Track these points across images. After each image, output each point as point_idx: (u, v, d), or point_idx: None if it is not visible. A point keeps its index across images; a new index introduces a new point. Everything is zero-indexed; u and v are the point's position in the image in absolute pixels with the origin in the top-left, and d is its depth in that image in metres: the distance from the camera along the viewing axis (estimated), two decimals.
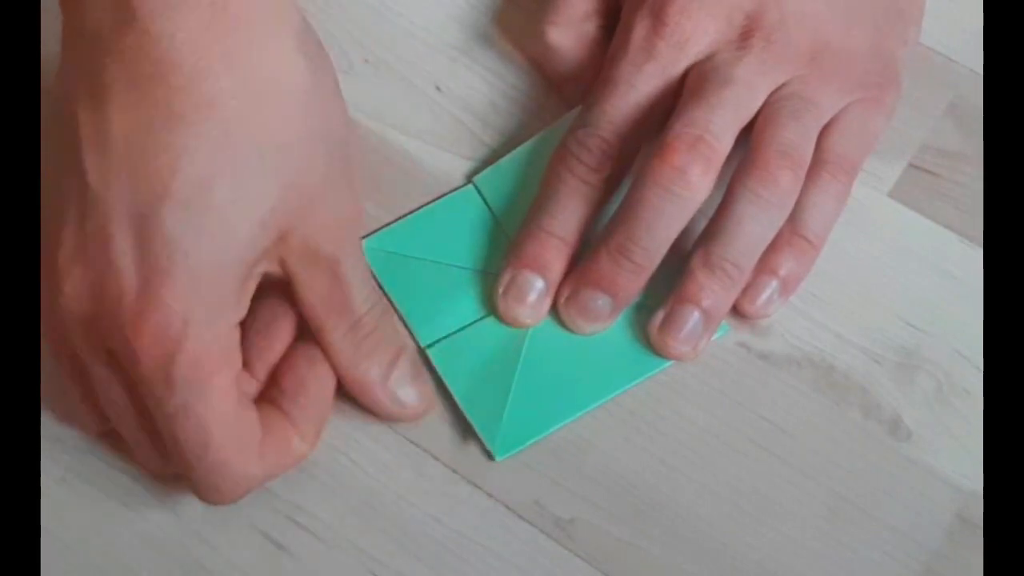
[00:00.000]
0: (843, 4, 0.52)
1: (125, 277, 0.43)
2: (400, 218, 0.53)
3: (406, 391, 0.49)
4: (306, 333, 0.48)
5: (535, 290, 0.50)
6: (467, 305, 0.51)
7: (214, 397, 0.44)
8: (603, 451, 0.49)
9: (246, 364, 0.47)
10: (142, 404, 0.45)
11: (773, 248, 0.50)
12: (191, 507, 0.48)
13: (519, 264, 0.50)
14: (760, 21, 0.51)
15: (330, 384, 0.48)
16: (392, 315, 0.49)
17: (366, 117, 0.55)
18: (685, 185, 0.48)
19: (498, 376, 0.50)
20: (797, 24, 0.51)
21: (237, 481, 0.46)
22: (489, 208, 0.52)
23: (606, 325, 0.50)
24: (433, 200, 0.53)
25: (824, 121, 0.51)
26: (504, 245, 0.51)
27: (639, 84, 0.51)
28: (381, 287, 0.51)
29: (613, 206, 0.50)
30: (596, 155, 0.50)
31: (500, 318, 0.50)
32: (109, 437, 0.49)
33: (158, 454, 0.46)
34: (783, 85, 0.51)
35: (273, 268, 0.46)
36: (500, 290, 0.50)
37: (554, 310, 0.51)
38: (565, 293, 0.50)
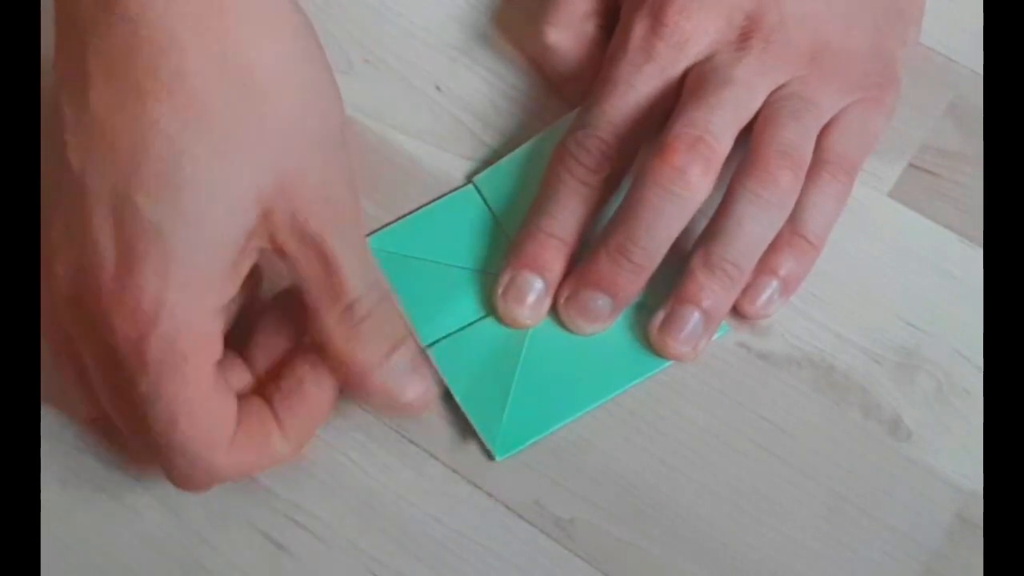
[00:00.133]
0: (843, 4, 0.52)
1: (103, 256, 0.43)
2: (400, 218, 0.53)
3: (403, 384, 0.47)
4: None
5: (534, 291, 0.50)
6: (467, 305, 0.51)
7: (186, 380, 0.44)
8: (603, 451, 0.49)
9: (247, 357, 0.47)
10: (120, 385, 0.45)
11: (773, 248, 0.50)
12: (191, 507, 0.48)
13: (518, 264, 0.50)
14: (760, 22, 0.51)
15: (329, 390, 0.47)
16: (395, 304, 0.47)
17: (366, 117, 0.55)
18: (685, 185, 0.48)
19: (498, 376, 0.50)
20: (797, 24, 0.51)
21: (203, 469, 0.45)
22: (489, 208, 0.52)
23: (606, 325, 0.50)
24: (433, 200, 0.53)
25: (824, 121, 0.51)
26: (504, 245, 0.51)
27: (638, 85, 0.51)
28: None
29: (613, 206, 0.50)
30: (595, 156, 0.50)
31: (500, 319, 0.50)
32: (102, 425, 0.49)
33: (138, 438, 0.46)
34: (783, 85, 0.51)
35: (266, 246, 0.45)
36: (500, 290, 0.50)
37: (554, 310, 0.51)
38: (565, 293, 0.50)
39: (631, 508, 0.48)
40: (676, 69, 0.51)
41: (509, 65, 0.56)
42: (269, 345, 0.48)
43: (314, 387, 0.47)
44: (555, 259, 0.50)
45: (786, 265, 0.50)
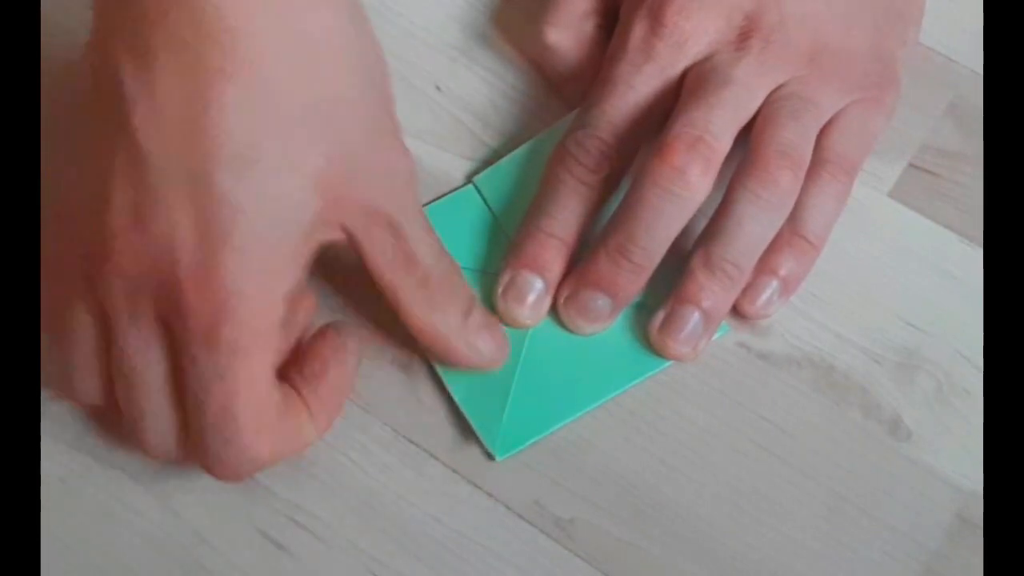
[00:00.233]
0: (842, 5, 0.52)
1: (182, 235, 0.43)
2: None
3: (482, 338, 0.49)
4: (335, 322, 0.48)
5: (534, 290, 0.50)
6: None
7: (251, 367, 0.44)
8: (603, 451, 0.49)
9: None
10: (176, 368, 0.45)
11: (773, 248, 0.50)
12: (191, 507, 0.48)
13: (518, 264, 0.50)
14: (759, 22, 0.51)
15: (351, 371, 0.48)
16: (458, 268, 0.49)
17: None
18: (684, 185, 0.48)
19: (498, 376, 0.50)
20: (796, 24, 0.51)
21: (246, 456, 0.45)
22: (489, 208, 0.52)
23: (606, 325, 0.50)
24: (433, 200, 0.53)
25: (823, 121, 0.51)
26: (504, 245, 0.51)
27: (638, 85, 0.51)
28: None
29: (612, 206, 0.50)
30: (595, 156, 0.50)
31: (499, 318, 0.50)
32: (103, 418, 0.48)
33: (171, 428, 0.46)
34: (782, 85, 0.51)
35: (335, 235, 0.46)
36: (499, 290, 0.50)
37: (554, 310, 0.51)
38: (564, 293, 0.50)
39: (631, 508, 0.48)
40: (675, 69, 0.51)
41: (509, 65, 0.56)
42: (287, 330, 0.47)
43: (337, 369, 0.47)
44: (555, 259, 0.50)
45: (786, 265, 0.50)
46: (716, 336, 0.50)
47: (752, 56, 0.50)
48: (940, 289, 0.52)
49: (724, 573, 0.48)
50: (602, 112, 0.51)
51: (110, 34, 0.44)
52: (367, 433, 0.50)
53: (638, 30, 0.51)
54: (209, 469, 0.46)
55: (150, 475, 0.49)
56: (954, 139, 0.54)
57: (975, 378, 0.50)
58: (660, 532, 0.48)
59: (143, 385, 0.45)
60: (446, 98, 0.55)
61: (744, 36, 0.51)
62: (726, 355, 0.51)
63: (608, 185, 0.51)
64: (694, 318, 0.49)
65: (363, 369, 0.49)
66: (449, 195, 0.53)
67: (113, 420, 0.48)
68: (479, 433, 0.49)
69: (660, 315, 0.50)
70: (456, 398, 0.50)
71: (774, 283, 0.50)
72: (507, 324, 0.50)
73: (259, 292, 0.44)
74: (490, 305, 0.51)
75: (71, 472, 0.49)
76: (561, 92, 0.55)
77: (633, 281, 0.49)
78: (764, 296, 0.50)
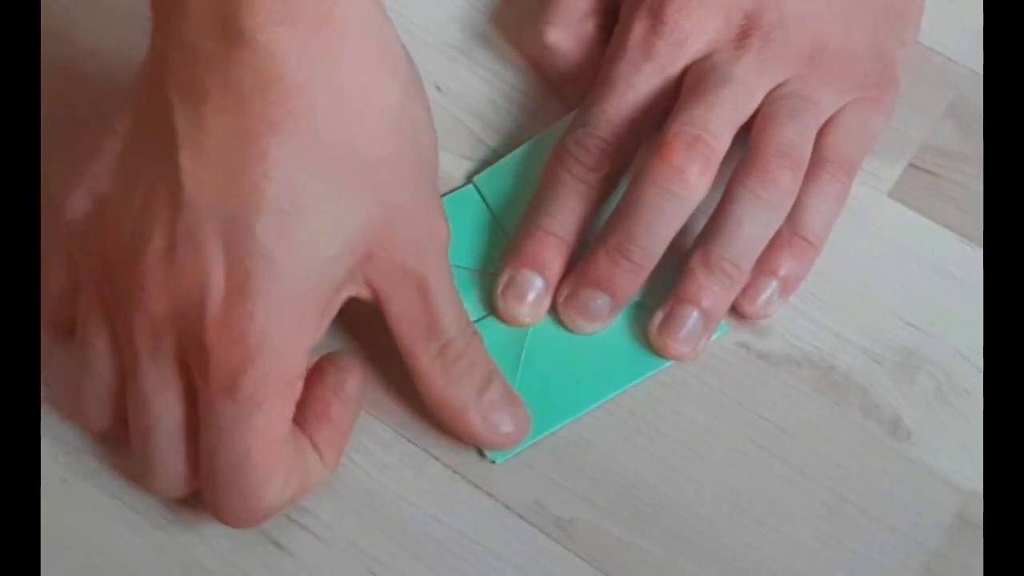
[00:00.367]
0: (842, 4, 0.52)
1: (212, 281, 0.43)
2: None
3: (500, 416, 0.48)
4: (331, 355, 0.48)
5: (534, 289, 0.50)
6: (467, 305, 0.51)
7: (269, 419, 0.44)
8: (603, 451, 0.49)
9: None
10: (193, 415, 0.44)
11: (773, 248, 0.50)
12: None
13: (518, 263, 0.50)
14: (759, 20, 0.51)
15: (353, 411, 0.47)
16: (481, 339, 0.48)
17: None
18: (683, 184, 0.48)
19: None
20: (796, 24, 0.51)
21: (260, 510, 0.45)
22: (489, 208, 0.52)
23: (605, 324, 0.50)
24: None
25: (823, 120, 0.51)
26: (504, 245, 0.51)
27: (637, 83, 0.51)
28: None
29: (612, 205, 0.50)
30: (594, 154, 0.50)
31: (499, 317, 0.50)
32: (108, 438, 0.49)
33: (181, 470, 0.46)
34: (782, 84, 0.51)
35: (362, 291, 0.46)
36: (499, 289, 0.50)
37: (553, 310, 0.51)
38: (564, 292, 0.50)
39: (631, 508, 0.48)
40: (675, 68, 0.51)
41: (509, 65, 0.56)
42: None
43: (339, 408, 0.47)
44: (555, 258, 0.50)
45: (786, 265, 0.50)
46: (716, 336, 0.50)
47: (752, 55, 0.50)
48: (940, 289, 0.52)
49: (724, 573, 0.48)
50: (602, 111, 0.51)
51: (166, 70, 0.44)
52: (367, 433, 0.50)
53: (638, 29, 0.51)
54: (220, 518, 0.46)
55: (155, 495, 0.48)
56: (954, 139, 0.54)
57: (975, 378, 0.50)
58: (660, 532, 0.48)
59: (158, 425, 0.45)
60: (446, 98, 0.55)
61: (744, 35, 0.51)
62: (726, 355, 0.51)
63: (608, 184, 0.51)
64: (693, 318, 0.49)
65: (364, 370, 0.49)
66: (449, 195, 0.53)
67: (120, 442, 0.48)
68: None
69: (659, 315, 0.50)
70: None
71: (774, 283, 0.50)
72: (507, 323, 0.50)
73: (283, 344, 0.44)
74: (490, 304, 0.51)
75: (71, 472, 0.49)
76: (561, 92, 0.55)
77: (632, 280, 0.49)
78: (764, 296, 0.50)
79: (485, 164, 0.54)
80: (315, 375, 0.47)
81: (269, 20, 0.42)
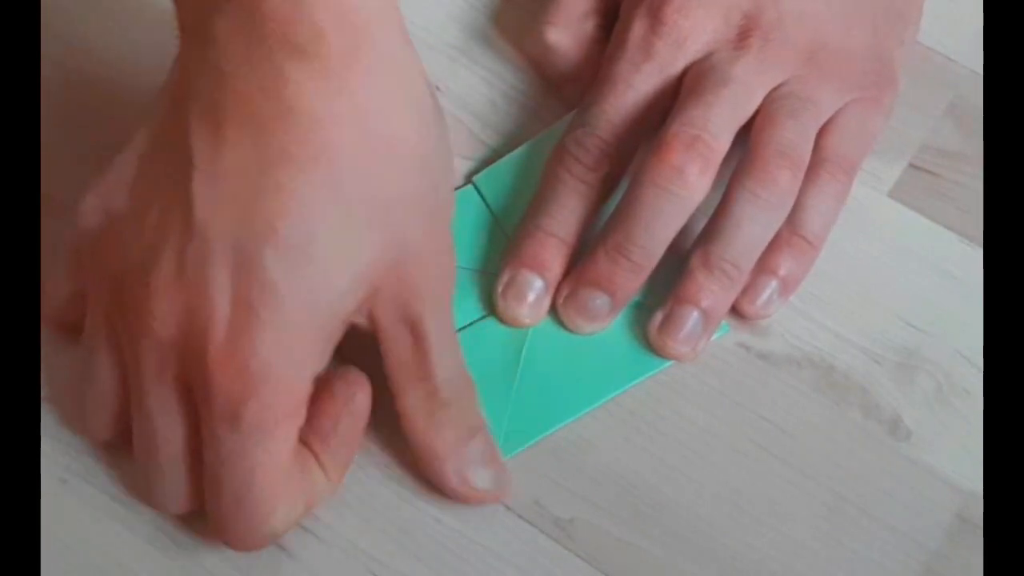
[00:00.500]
0: (841, 4, 0.52)
1: (217, 310, 0.43)
2: None
3: (477, 472, 0.48)
4: (340, 370, 0.47)
5: (534, 289, 0.50)
6: (467, 305, 0.51)
7: (272, 447, 0.44)
8: (603, 451, 0.49)
9: None
10: (196, 437, 0.44)
11: (772, 248, 0.50)
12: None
13: (518, 263, 0.50)
14: (758, 20, 0.51)
15: (361, 423, 0.47)
16: (474, 391, 0.48)
17: None
18: (683, 184, 0.48)
19: (499, 377, 0.50)
20: (795, 23, 0.51)
21: (265, 534, 0.45)
22: (489, 208, 0.52)
23: (605, 324, 0.50)
24: None
25: (822, 120, 0.51)
26: (504, 245, 0.51)
27: (637, 83, 0.51)
28: None
29: (612, 205, 0.50)
30: (594, 154, 0.50)
31: (499, 318, 0.50)
32: (110, 445, 0.49)
33: (183, 489, 0.46)
34: (781, 84, 0.51)
35: (361, 320, 0.45)
36: (499, 289, 0.50)
37: (553, 310, 0.51)
38: (564, 292, 0.50)
39: (631, 508, 0.48)
40: (675, 68, 0.51)
41: (509, 65, 0.56)
42: None
43: (347, 422, 0.47)
44: (554, 258, 0.50)
45: (785, 265, 0.50)
46: (716, 336, 0.50)
47: (751, 55, 0.50)
48: (940, 289, 0.52)
49: (724, 573, 0.47)
50: (601, 111, 0.51)
51: (189, 92, 0.44)
52: (367, 433, 0.49)
53: (637, 29, 0.51)
54: (225, 543, 0.46)
55: (159, 511, 0.48)
56: (954, 139, 0.54)
57: (975, 378, 0.50)
58: (660, 532, 0.48)
59: (162, 446, 0.45)
60: (446, 98, 0.55)
61: (743, 35, 0.51)
62: (726, 355, 0.51)
63: (607, 184, 0.51)
64: (693, 318, 0.49)
65: (364, 370, 0.49)
66: None
67: (123, 450, 0.48)
68: None
69: (659, 315, 0.50)
70: None
71: (773, 283, 0.50)
72: (507, 323, 0.50)
73: (287, 375, 0.44)
74: (490, 304, 0.51)
75: (71, 472, 0.49)
76: (561, 92, 0.55)
77: (632, 280, 0.49)
78: (764, 296, 0.50)
79: (485, 164, 0.54)
80: (324, 390, 0.46)
81: (298, 52, 0.42)
